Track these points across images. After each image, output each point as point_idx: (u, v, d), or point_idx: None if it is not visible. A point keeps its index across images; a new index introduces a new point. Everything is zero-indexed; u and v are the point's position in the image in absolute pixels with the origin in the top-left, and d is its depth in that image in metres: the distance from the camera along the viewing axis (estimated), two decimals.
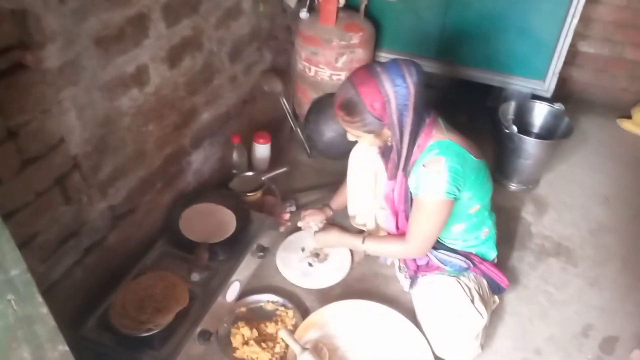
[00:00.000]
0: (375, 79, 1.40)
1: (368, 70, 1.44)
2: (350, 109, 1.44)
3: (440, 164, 1.43)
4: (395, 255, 1.75)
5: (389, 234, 1.78)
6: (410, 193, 1.56)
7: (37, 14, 1.15)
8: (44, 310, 0.77)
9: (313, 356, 1.48)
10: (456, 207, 1.53)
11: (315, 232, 1.85)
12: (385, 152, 1.67)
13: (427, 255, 1.66)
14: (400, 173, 1.57)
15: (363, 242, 1.69)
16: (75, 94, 1.31)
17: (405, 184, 1.58)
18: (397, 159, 1.54)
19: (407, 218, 1.63)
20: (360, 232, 1.86)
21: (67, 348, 0.84)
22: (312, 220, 1.87)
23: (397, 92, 1.39)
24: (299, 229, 1.95)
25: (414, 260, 1.72)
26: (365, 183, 1.77)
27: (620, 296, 1.89)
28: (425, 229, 1.54)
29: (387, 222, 1.74)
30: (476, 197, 1.55)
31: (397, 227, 1.70)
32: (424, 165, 1.45)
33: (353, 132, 1.52)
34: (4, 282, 0.69)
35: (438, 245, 1.65)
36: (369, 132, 1.48)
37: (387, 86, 1.39)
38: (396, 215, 1.68)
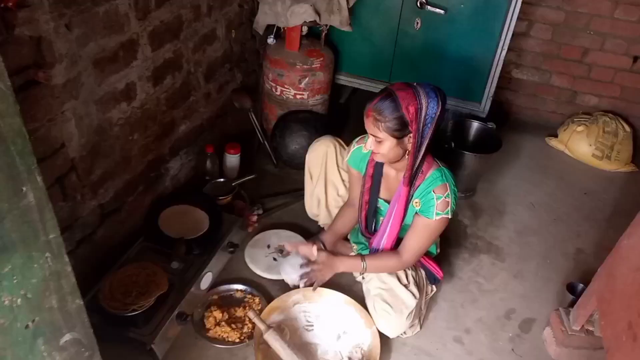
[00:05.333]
0: (412, 89, 1.59)
1: (406, 83, 1.63)
2: (386, 108, 1.57)
3: (447, 189, 1.70)
4: (391, 269, 1.85)
5: (372, 241, 1.93)
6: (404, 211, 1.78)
7: (49, 40, 1.39)
8: (69, 268, 1.01)
9: (276, 334, 1.73)
10: None
11: (315, 268, 1.81)
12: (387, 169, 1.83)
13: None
14: (403, 188, 1.72)
15: (363, 262, 1.81)
16: (75, 106, 1.55)
17: (404, 199, 1.75)
18: (410, 171, 1.69)
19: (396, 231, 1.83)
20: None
21: (82, 302, 1.07)
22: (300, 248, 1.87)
23: (429, 103, 1.58)
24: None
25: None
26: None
27: (539, 286, 2.22)
28: (425, 245, 1.79)
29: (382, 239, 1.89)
30: None
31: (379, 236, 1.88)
32: (433, 192, 1.69)
33: (378, 134, 1.61)
34: (45, 242, 0.92)
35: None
36: (394, 135, 1.60)
37: (422, 96, 1.58)
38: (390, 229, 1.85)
